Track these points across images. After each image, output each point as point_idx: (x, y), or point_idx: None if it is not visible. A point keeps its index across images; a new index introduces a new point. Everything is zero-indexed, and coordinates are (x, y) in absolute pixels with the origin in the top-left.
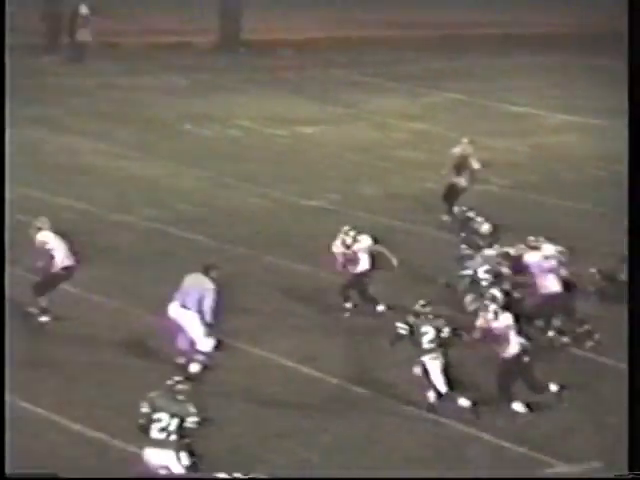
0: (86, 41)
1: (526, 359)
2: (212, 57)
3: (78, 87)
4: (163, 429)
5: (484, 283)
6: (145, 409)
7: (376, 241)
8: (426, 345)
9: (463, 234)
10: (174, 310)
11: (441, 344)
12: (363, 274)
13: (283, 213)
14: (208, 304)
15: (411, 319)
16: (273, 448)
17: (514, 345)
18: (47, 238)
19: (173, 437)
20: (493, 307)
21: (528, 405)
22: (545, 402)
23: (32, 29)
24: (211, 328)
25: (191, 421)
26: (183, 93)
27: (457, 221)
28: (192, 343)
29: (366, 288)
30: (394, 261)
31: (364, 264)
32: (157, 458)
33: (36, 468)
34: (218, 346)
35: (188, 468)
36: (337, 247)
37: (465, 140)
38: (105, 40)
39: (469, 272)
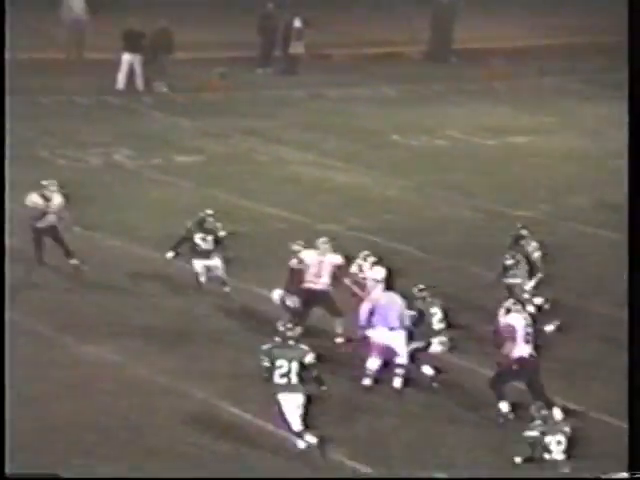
0: (299, 53)
1: (531, 368)
2: (422, 67)
3: (289, 99)
4: (284, 375)
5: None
6: (266, 363)
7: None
8: (436, 325)
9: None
10: (383, 336)
11: (448, 325)
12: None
13: (492, 223)
14: (409, 315)
15: (418, 303)
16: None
17: (520, 348)
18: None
19: (295, 380)
20: (508, 303)
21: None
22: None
23: (247, 43)
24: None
25: (310, 357)
26: (392, 103)
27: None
28: (385, 363)
29: None
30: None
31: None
32: (289, 402)
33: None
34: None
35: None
36: (351, 271)
37: None
38: (317, 52)
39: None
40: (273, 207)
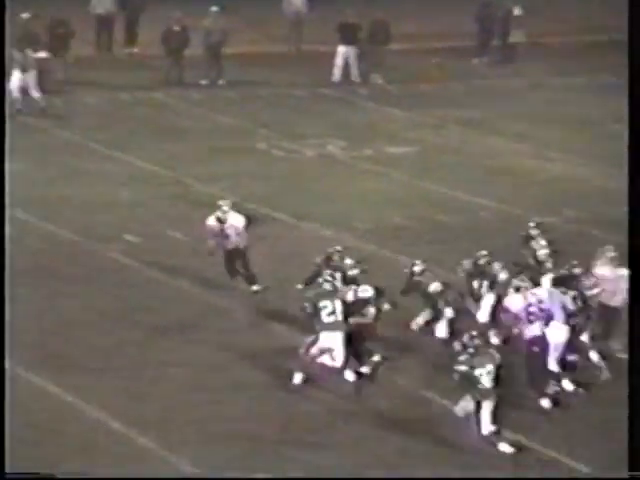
0: (518, 42)
1: (535, 349)
2: None
3: (506, 89)
4: (330, 313)
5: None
6: (309, 310)
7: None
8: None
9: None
10: (561, 333)
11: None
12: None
13: None
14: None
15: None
16: None
17: (529, 329)
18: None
19: (340, 318)
20: (515, 283)
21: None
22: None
23: (463, 33)
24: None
25: (350, 295)
26: (614, 92)
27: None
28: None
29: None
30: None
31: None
32: (326, 342)
33: None
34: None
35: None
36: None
37: None
38: (536, 40)
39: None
40: (484, 198)
